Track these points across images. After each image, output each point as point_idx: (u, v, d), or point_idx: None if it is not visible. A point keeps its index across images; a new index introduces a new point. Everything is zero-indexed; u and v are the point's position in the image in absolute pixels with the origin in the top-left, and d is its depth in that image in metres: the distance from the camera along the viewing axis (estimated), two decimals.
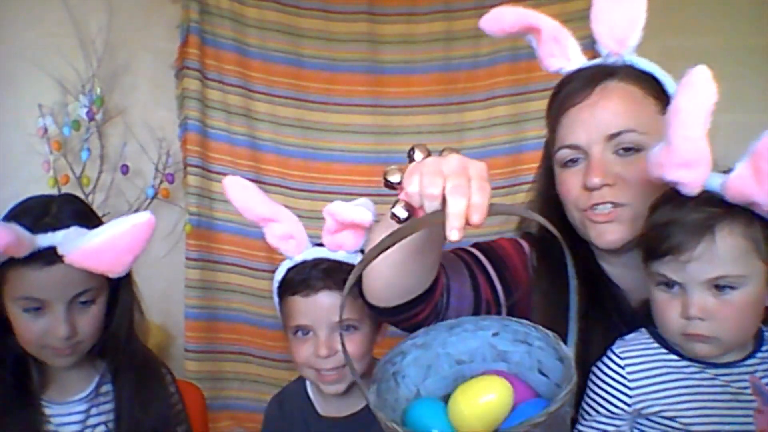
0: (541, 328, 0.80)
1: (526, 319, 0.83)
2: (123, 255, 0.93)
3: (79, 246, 0.92)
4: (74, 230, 0.95)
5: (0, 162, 1.94)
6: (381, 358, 0.80)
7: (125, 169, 1.99)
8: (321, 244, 1.07)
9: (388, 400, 0.76)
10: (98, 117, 1.95)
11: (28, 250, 0.92)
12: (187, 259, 2.03)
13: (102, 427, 1.05)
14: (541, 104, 2.07)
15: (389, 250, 0.69)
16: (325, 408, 1.12)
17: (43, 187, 1.90)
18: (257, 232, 2.07)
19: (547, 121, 1.04)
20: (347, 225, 1.02)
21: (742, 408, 0.82)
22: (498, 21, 0.99)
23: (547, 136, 1.05)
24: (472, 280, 0.98)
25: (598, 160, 0.93)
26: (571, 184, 0.97)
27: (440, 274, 0.92)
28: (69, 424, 1.03)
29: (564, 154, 0.97)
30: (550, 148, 1.03)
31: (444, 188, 0.65)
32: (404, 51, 2.11)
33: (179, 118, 2.04)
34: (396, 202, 0.73)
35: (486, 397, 0.73)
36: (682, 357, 0.86)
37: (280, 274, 1.10)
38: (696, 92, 0.74)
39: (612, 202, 0.93)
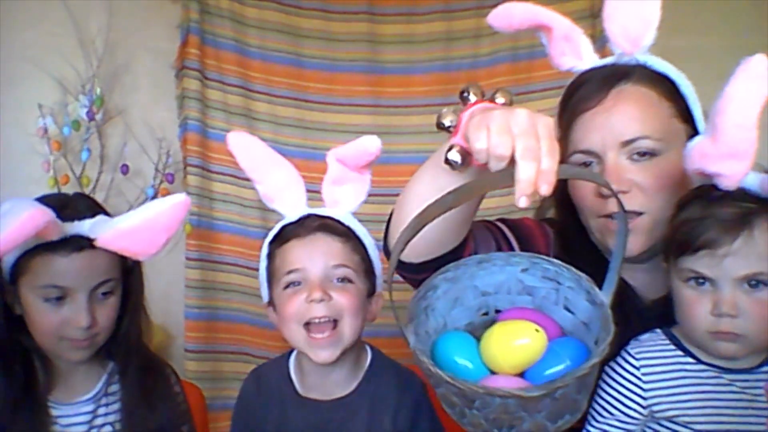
0: (574, 269, 0.80)
1: None
2: (159, 234, 0.93)
3: (111, 228, 0.93)
4: (100, 218, 0.96)
5: (0, 162, 1.94)
6: (414, 294, 0.79)
7: (125, 169, 1.99)
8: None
9: (420, 334, 0.77)
10: (98, 117, 1.95)
11: (58, 235, 0.93)
12: (187, 259, 2.03)
13: (108, 428, 1.04)
14: (541, 104, 2.09)
15: (427, 198, 0.66)
16: (307, 389, 1.03)
17: (43, 187, 1.89)
18: (257, 232, 2.09)
19: (558, 122, 1.01)
20: (356, 168, 0.97)
21: (756, 415, 0.81)
22: (507, 17, 0.96)
23: (558, 136, 1.04)
24: (498, 250, 0.97)
25: (613, 166, 0.91)
26: (585, 189, 0.95)
27: (469, 238, 0.92)
28: (75, 425, 1.02)
29: (577, 158, 0.95)
30: (561, 149, 1.01)
31: (514, 149, 0.63)
32: (404, 51, 2.11)
33: (179, 118, 2.04)
34: (451, 146, 0.71)
35: (520, 341, 0.74)
36: (699, 361, 0.85)
37: (272, 234, 1.04)
38: (753, 81, 0.73)
39: (628, 211, 0.91)
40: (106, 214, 1.00)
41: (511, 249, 0.99)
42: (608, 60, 0.95)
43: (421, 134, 2.10)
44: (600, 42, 0.95)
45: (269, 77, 2.08)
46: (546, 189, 0.62)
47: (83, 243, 0.94)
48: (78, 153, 1.95)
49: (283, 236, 1.01)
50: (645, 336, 0.89)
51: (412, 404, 1.00)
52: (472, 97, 0.74)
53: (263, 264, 1.05)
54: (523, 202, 0.62)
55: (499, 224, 1.03)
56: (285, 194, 1.02)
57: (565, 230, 1.03)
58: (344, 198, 1.01)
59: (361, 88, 2.10)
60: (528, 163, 0.62)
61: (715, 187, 0.80)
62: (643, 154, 0.90)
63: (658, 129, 0.90)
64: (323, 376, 1.01)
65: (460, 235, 0.87)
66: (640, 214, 0.91)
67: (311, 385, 1.03)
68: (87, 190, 1.94)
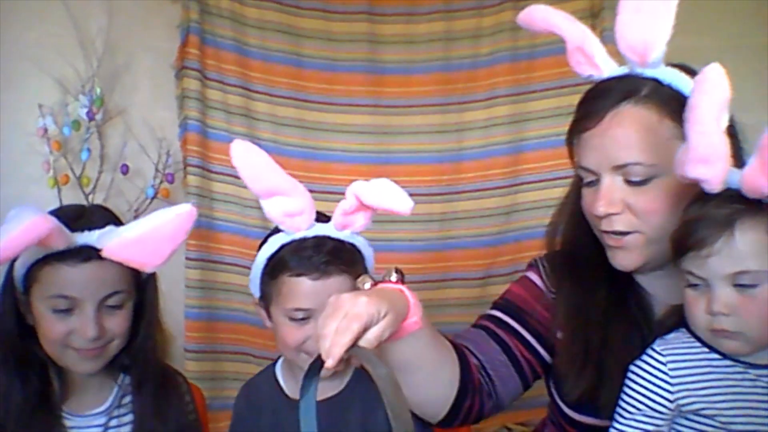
0: None
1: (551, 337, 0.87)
2: (163, 245, 0.92)
3: (116, 237, 0.92)
4: (109, 229, 0.96)
5: (0, 162, 1.94)
6: None
7: (125, 169, 1.99)
8: (318, 215, 1.01)
9: None
10: (98, 117, 1.95)
11: (65, 245, 0.93)
12: (187, 259, 2.03)
13: None
14: (541, 104, 2.09)
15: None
16: (296, 391, 1.02)
17: (43, 187, 1.90)
18: (257, 231, 2.09)
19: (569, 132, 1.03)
20: (368, 207, 0.96)
21: None
22: (529, 19, 0.98)
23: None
24: (502, 345, 1.01)
25: (606, 188, 0.93)
26: (588, 202, 0.98)
27: (467, 358, 0.95)
28: None
29: (582, 173, 0.97)
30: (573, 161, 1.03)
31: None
32: (404, 51, 2.11)
33: (179, 118, 2.04)
34: None
35: None
36: (724, 356, 0.85)
37: (271, 250, 1.03)
38: (709, 88, 0.75)
39: (619, 231, 0.94)
40: (122, 223, 1.00)
41: (513, 332, 1.03)
42: (623, 70, 0.94)
43: (421, 134, 2.11)
44: (604, 39, 0.95)
45: (269, 77, 2.08)
46: (330, 363, 0.73)
47: (91, 253, 0.94)
48: (78, 153, 1.95)
49: (291, 266, 0.99)
50: (671, 335, 0.90)
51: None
52: (394, 277, 0.85)
53: (258, 270, 1.06)
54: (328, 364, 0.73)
55: (492, 312, 1.06)
56: (293, 221, 1.00)
57: (574, 246, 1.05)
58: (353, 223, 1.00)
59: (361, 88, 2.10)
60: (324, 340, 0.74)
61: (709, 194, 0.81)
62: (636, 177, 0.91)
63: (653, 154, 0.90)
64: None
65: (449, 382, 0.93)
66: (631, 233, 0.93)
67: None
68: (87, 190, 1.94)
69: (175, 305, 2.04)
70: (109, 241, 0.92)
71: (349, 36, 2.10)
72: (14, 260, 0.97)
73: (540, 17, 0.97)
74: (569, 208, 1.05)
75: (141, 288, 1.05)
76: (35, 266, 0.96)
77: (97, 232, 0.95)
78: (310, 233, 0.99)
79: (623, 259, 0.95)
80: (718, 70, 0.75)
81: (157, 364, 1.08)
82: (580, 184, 1.00)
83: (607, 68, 0.95)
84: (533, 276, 1.08)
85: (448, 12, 2.09)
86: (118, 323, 1.00)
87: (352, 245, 1.02)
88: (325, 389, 1.01)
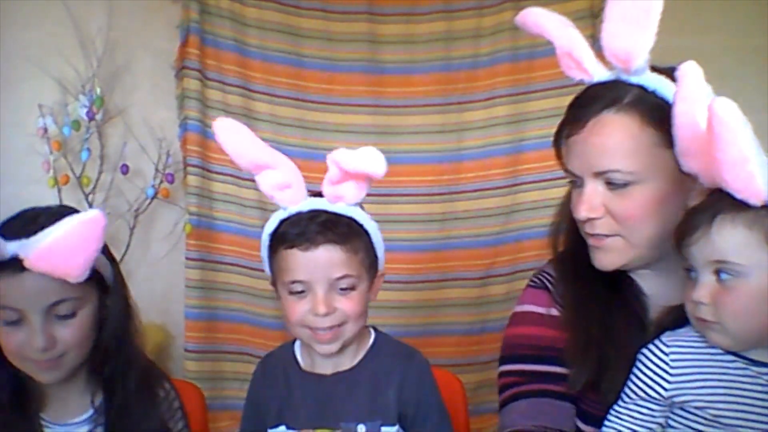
0: None
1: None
2: (73, 256, 0.89)
3: (35, 247, 0.89)
4: (34, 237, 0.91)
5: (0, 162, 1.94)
6: None
7: (125, 169, 1.99)
8: (317, 194, 1.02)
9: None
10: (98, 117, 1.95)
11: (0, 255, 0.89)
12: (187, 259, 2.03)
13: None
14: (541, 104, 2.09)
15: None
16: (310, 365, 1.06)
17: (43, 187, 1.90)
18: (257, 232, 2.07)
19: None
20: (352, 175, 0.97)
21: None
22: (524, 21, 1.02)
23: None
24: (554, 397, 1.01)
25: (588, 193, 0.95)
26: (573, 204, 1.00)
27: None
28: None
29: (568, 175, 1.00)
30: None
31: None
32: (404, 51, 2.11)
33: (179, 118, 2.04)
34: None
35: None
36: (727, 351, 0.87)
37: (272, 226, 1.04)
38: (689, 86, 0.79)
39: (599, 235, 0.96)
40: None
41: (555, 377, 1.01)
42: (611, 76, 0.95)
43: (421, 134, 2.11)
44: (599, 43, 0.95)
45: (269, 77, 2.08)
46: None
47: (23, 265, 0.90)
48: (78, 153, 1.95)
49: (286, 239, 1.00)
50: (682, 329, 0.91)
51: (416, 378, 1.02)
52: None
53: (265, 251, 1.05)
54: None
55: (523, 375, 1.04)
56: (283, 194, 1.02)
57: (576, 244, 1.05)
58: (345, 193, 1.00)
59: (361, 88, 2.10)
60: None
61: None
62: (617, 183, 0.93)
63: (632, 162, 0.91)
64: (328, 355, 1.04)
65: None
66: (612, 236, 0.96)
67: (316, 362, 1.05)
68: (87, 190, 1.94)
69: (175, 305, 2.04)
70: (29, 251, 0.89)
71: (349, 36, 2.10)
72: None
73: (532, 21, 0.99)
74: (569, 207, 1.06)
75: (106, 290, 1.01)
76: None
77: (23, 241, 0.91)
78: (305, 207, 1.01)
79: (603, 260, 0.98)
80: (694, 66, 0.79)
81: (129, 366, 1.03)
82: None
83: (596, 73, 0.97)
84: (538, 291, 1.08)
85: (448, 12, 2.09)
86: (69, 333, 0.95)
87: (351, 219, 1.01)
88: (336, 364, 1.04)
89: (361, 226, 1.02)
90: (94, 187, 1.96)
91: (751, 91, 1.86)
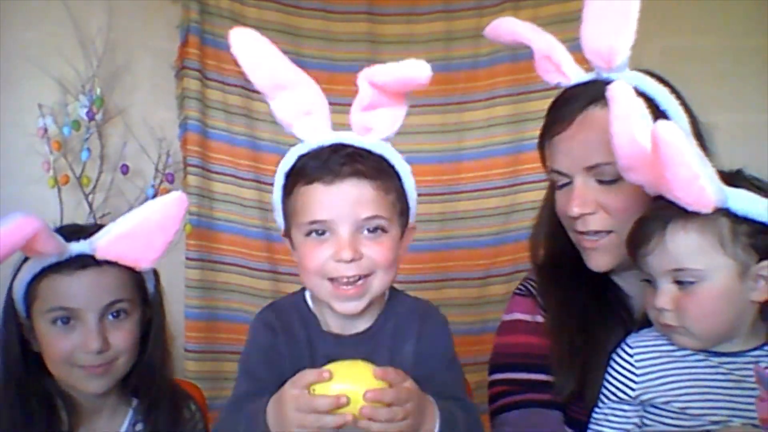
0: None
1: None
2: (155, 236, 0.90)
3: (106, 234, 0.90)
4: (100, 232, 0.93)
5: (0, 162, 1.94)
6: None
7: (125, 169, 1.99)
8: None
9: None
10: (98, 117, 1.95)
11: (58, 252, 0.90)
12: (187, 259, 2.03)
13: None
14: (541, 104, 2.06)
15: None
16: (327, 324, 0.93)
17: (43, 187, 1.90)
18: (257, 232, 2.09)
19: (540, 138, 1.04)
20: (389, 94, 0.86)
21: (743, 396, 0.85)
22: (495, 32, 1.03)
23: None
24: (543, 406, 1.01)
25: (579, 189, 0.95)
26: (560, 205, 1.00)
27: None
28: None
29: (554, 176, 1.00)
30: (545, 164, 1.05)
31: None
32: (404, 51, 2.10)
33: (179, 118, 2.04)
34: None
35: None
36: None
37: (288, 163, 0.90)
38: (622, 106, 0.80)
39: (595, 231, 0.96)
40: None
41: (544, 385, 1.01)
42: (590, 76, 0.96)
43: (421, 134, 2.10)
44: (590, 62, 0.96)
45: None
46: None
47: (88, 261, 0.92)
48: (78, 153, 1.95)
49: (306, 173, 0.86)
50: (644, 330, 0.94)
51: (433, 330, 0.95)
52: None
53: (278, 194, 0.93)
54: None
55: (522, 384, 1.04)
56: (301, 122, 0.90)
57: (555, 250, 1.06)
58: (377, 124, 0.88)
59: None
60: None
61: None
62: (608, 177, 0.94)
63: None
64: (351, 315, 0.92)
65: None
66: (608, 232, 0.96)
67: (330, 321, 0.93)
68: (87, 190, 1.94)
69: (175, 305, 2.03)
70: (100, 240, 0.91)
71: (349, 36, 2.10)
72: (11, 286, 0.96)
73: (505, 29, 1.00)
74: (547, 212, 1.07)
75: (147, 304, 1.02)
76: (33, 282, 0.93)
77: (81, 242, 0.93)
78: (328, 140, 0.87)
79: (598, 260, 0.98)
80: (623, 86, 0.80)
81: (167, 387, 1.03)
82: (555, 188, 1.02)
83: (575, 75, 0.98)
84: (523, 299, 1.08)
85: (447, 12, 2.09)
86: (122, 337, 0.96)
87: (381, 157, 0.90)
88: (356, 324, 0.92)
89: (392, 167, 0.91)
90: (94, 187, 1.96)
91: (750, 91, 1.86)
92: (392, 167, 0.91)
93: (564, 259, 1.03)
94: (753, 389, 0.83)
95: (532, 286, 1.08)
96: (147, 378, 1.00)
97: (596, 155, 0.93)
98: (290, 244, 0.92)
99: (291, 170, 0.90)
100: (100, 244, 0.90)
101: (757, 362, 0.86)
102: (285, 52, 2.32)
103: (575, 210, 0.95)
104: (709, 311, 0.84)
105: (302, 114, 0.88)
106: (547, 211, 1.07)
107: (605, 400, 0.93)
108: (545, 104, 2.22)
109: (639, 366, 0.90)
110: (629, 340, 0.93)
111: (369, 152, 0.87)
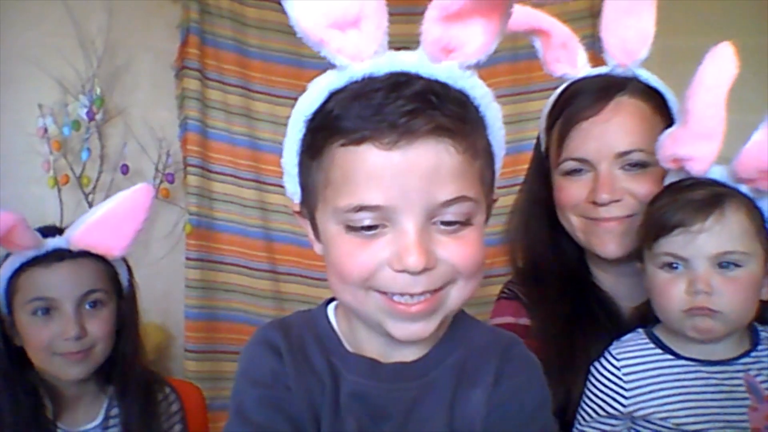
0: None
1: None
2: (124, 224, 0.96)
3: (79, 225, 0.97)
4: (83, 218, 1.00)
5: (0, 162, 1.94)
6: None
7: (125, 169, 1.99)
8: None
9: None
10: (98, 117, 1.95)
11: (36, 246, 0.96)
12: (187, 259, 2.03)
13: None
14: (541, 104, 2.05)
15: None
16: (354, 343, 0.69)
17: (43, 187, 1.90)
18: (257, 232, 2.09)
19: (548, 126, 1.03)
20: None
21: (735, 406, 0.83)
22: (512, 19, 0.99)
23: (545, 141, 1.05)
24: None
25: (607, 176, 0.94)
26: (573, 193, 0.98)
27: None
28: None
29: (569, 165, 0.98)
30: (550, 154, 1.03)
31: None
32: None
33: (179, 118, 2.04)
34: None
35: None
36: (677, 356, 0.87)
37: (314, 103, 0.62)
38: (720, 64, 0.78)
39: (618, 217, 0.96)
40: None
41: None
42: (602, 70, 0.97)
43: None
44: (599, 43, 0.96)
45: (269, 77, 2.08)
46: None
47: (64, 254, 0.98)
48: (78, 153, 1.95)
49: (346, 125, 0.58)
50: (627, 336, 0.91)
51: (518, 374, 0.68)
52: None
53: (293, 148, 0.65)
54: None
55: None
56: (345, 38, 0.62)
57: (535, 256, 1.06)
58: (466, 41, 0.60)
59: None
60: None
61: (683, 181, 0.85)
62: (635, 164, 0.94)
63: (650, 143, 0.92)
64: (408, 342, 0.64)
65: None
66: (630, 216, 0.95)
67: (364, 339, 0.68)
68: (87, 190, 1.94)
69: (175, 305, 2.04)
70: (73, 231, 0.97)
71: None
72: None
73: (522, 14, 0.99)
74: (523, 217, 1.06)
75: (121, 296, 1.07)
76: (13, 277, 0.99)
77: (57, 237, 0.99)
78: (382, 68, 0.59)
79: (612, 246, 0.96)
80: (729, 49, 0.79)
81: (140, 373, 1.09)
82: (545, 175, 1.02)
83: (584, 69, 0.98)
84: (505, 318, 1.09)
85: None
86: (99, 325, 1.01)
87: (464, 95, 0.61)
88: (403, 350, 0.67)
89: (476, 109, 0.62)
90: (94, 187, 1.96)
91: (750, 91, 1.86)
92: (476, 109, 0.62)
93: (543, 266, 1.03)
94: (745, 399, 0.83)
95: (516, 289, 1.08)
96: (120, 366, 1.06)
97: (630, 140, 0.93)
98: (310, 227, 0.66)
99: (318, 115, 0.60)
100: (73, 236, 0.96)
101: (747, 371, 0.85)
102: (285, 52, 2.32)
103: (604, 197, 0.94)
104: (744, 297, 0.83)
105: (344, 22, 0.58)
106: (522, 216, 1.07)
107: (592, 414, 0.89)
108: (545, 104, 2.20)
109: (627, 380, 0.87)
110: (613, 350, 0.90)
111: (447, 88, 0.59)
